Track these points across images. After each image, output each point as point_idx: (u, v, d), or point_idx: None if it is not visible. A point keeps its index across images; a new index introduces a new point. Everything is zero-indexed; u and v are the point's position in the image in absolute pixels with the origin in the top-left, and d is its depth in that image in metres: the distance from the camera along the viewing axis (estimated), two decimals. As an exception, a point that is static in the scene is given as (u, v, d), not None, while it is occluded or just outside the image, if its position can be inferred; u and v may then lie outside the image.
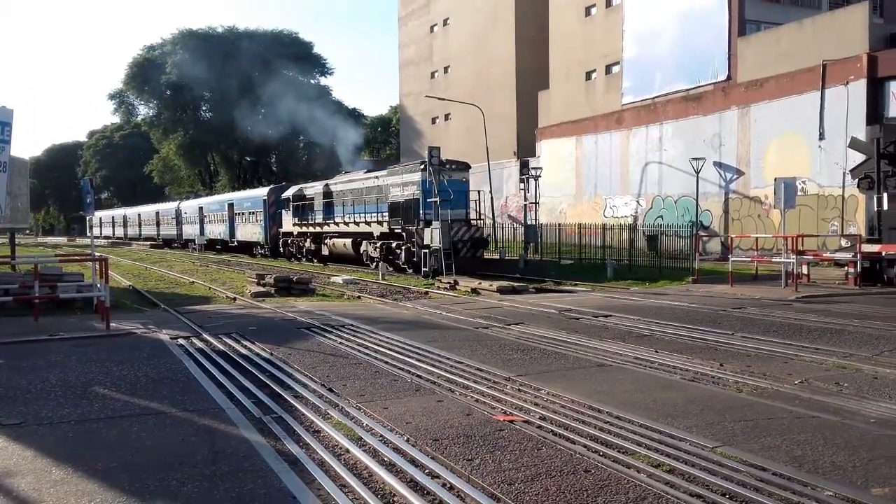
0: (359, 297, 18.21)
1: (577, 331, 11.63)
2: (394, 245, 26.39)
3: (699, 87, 32.19)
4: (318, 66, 72.52)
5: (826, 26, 26.46)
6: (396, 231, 26.15)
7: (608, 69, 38.10)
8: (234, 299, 17.93)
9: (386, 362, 9.18)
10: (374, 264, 27.23)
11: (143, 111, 76.66)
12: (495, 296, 17.56)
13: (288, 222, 37.33)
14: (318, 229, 33.75)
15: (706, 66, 31.92)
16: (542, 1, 42.08)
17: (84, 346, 10.61)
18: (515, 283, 18.93)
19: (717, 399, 7.17)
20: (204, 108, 74.17)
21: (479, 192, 27.84)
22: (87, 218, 18.78)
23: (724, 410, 6.69)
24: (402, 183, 26.45)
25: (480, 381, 8.07)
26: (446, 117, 51.83)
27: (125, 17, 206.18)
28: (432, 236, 23.80)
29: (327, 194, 32.72)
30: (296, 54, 67.55)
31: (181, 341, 10.97)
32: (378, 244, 27.69)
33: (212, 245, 50.01)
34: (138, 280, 23.82)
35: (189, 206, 56.38)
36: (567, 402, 7.01)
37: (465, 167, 26.30)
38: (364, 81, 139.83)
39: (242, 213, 44.62)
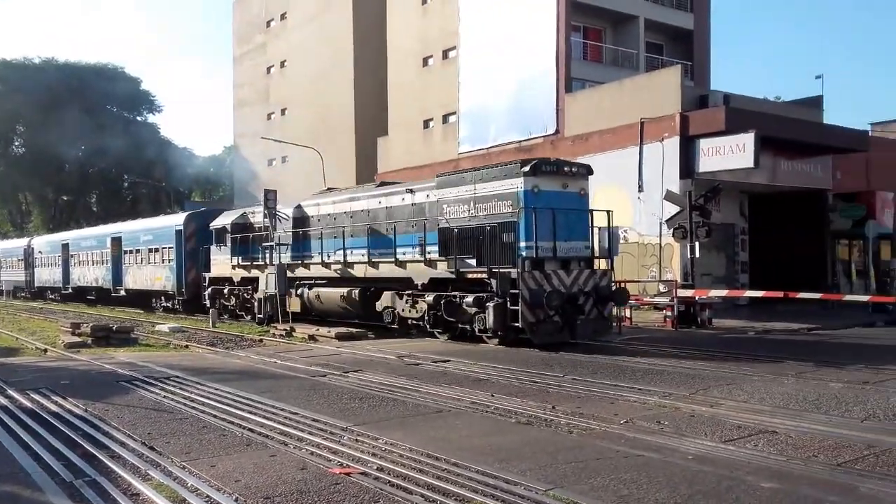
0: (186, 347, 17.23)
1: (416, 377, 11.59)
2: (455, 298, 16.33)
3: (531, 139, 33.80)
4: (146, 102, 69.44)
5: (643, 87, 28.67)
6: (469, 274, 16.29)
7: (445, 118, 39.18)
8: (45, 350, 16.42)
9: (214, 416, 8.67)
10: (408, 327, 18.19)
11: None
12: (334, 342, 17.22)
13: (222, 263, 25.31)
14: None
15: (537, 120, 33.61)
16: (381, 48, 42.80)
17: None
18: (354, 330, 18.69)
19: (551, 441, 7.33)
20: (16, 144, 68.60)
21: (607, 212, 16.82)
22: None
23: (557, 452, 6.84)
24: (474, 198, 16.49)
25: (316, 432, 7.79)
26: (283, 160, 51.05)
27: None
28: (268, 281, 22.22)
29: (300, 220, 22.15)
30: (122, 89, 64.33)
31: (-21, 399, 9.82)
32: (420, 298, 17.44)
33: (81, 295, 37.99)
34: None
35: (45, 243, 43.88)
36: (405, 451, 6.91)
37: (584, 172, 16.38)
38: (197, 120, 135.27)
39: (137, 251, 32.46)
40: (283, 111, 52.94)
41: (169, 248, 29.67)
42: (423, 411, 8.89)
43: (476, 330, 16.00)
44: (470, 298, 15.87)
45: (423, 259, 17.38)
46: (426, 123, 40.54)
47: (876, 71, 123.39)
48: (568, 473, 6.18)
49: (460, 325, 16.56)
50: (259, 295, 22.75)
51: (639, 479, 5.98)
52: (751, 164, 21.76)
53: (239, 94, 58.10)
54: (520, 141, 34.77)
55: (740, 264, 27.64)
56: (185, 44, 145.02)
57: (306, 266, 21.61)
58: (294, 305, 21.56)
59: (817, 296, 20.57)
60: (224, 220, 25.82)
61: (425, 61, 40.51)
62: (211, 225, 26.30)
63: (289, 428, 7.97)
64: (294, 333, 18.93)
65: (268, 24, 54.18)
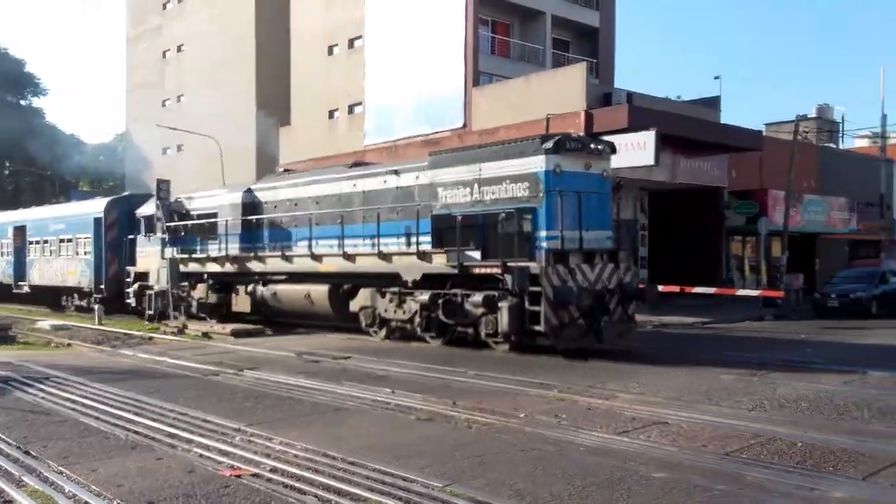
0: (69, 345, 16.30)
1: (315, 374, 11.34)
2: (456, 297, 14.26)
3: (438, 132, 33.80)
4: (31, 85, 65.52)
5: (550, 82, 29.10)
6: (476, 269, 13.96)
7: (351, 109, 38.72)
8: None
9: (97, 418, 8.21)
10: (379, 332, 16.19)
11: None
12: (229, 339, 16.69)
13: (151, 256, 21.95)
14: (230, 267, 19.69)
15: (444, 113, 33.63)
16: (284, 35, 41.87)
17: None
18: (250, 326, 18.12)
19: (450, 437, 7.29)
20: None
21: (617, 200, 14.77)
22: None
23: (456, 448, 6.80)
24: (479, 180, 14.19)
25: (207, 433, 7.48)
26: (179, 148, 49.27)
27: None
28: (159, 275, 20.93)
29: (251, 207, 19.28)
30: (4, 71, 60.48)
31: None
32: (409, 297, 15.23)
33: None
34: None
35: None
36: (301, 451, 6.71)
37: (609, 151, 14.39)
38: (86, 105, 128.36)
39: (46, 242, 28.26)
40: (179, 97, 51.10)
41: (86, 238, 25.77)
42: (321, 410, 8.69)
43: (482, 334, 13.84)
44: (478, 297, 13.56)
45: (414, 251, 14.90)
46: (331, 114, 39.97)
47: (769, 73, 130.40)
48: (466, 469, 6.14)
49: (459, 329, 14.51)
50: (150, 291, 21.51)
51: (535, 473, 6.01)
52: (651, 161, 22.35)
53: (132, 78, 55.71)
54: (427, 134, 34.70)
55: (640, 259, 28.50)
56: (73, 23, 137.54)
57: (260, 259, 18.72)
58: (241, 305, 19.35)
59: (712, 290, 21.39)
60: (153, 206, 22.25)
61: (330, 50, 39.91)
62: (137, 212, 23.05)
63: (177, 430, 7.62)
64: (187, 331, 18.20)
65: (164, 5, 52.15)
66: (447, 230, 14.27)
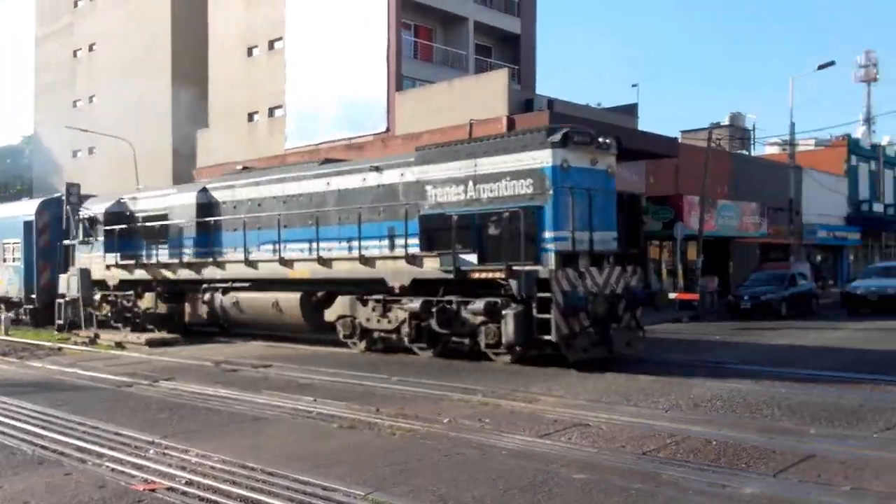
0: (-29, 357, 15.45)
1: (234, 384, 11.07)
2: (451, 304, 13.17)
3: (361, 136, 33.59)
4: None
5: (472, 88, 29.30)
6: (475, 273, 12.89)
7: (271, 112, 38.07)
8: None
9: (2, 433, 7.82)
10: (358, 344, 14.98)
11: None
12: (144, 349, 16.13)
13: (92, 263, 19.97)
14: (183, 273, 18.11)
15: (367, 117, 33.43)
16: (202, 35, 40.89)
17: None
18: (167, 335, 17.51)
19: (373, 444, 7.22)
20: None
21: (632, 195, 13.94)
22: None
23: (379, 455, 6.74)
24: (474, 176, 13.11)
25: (119, 447, 7.20)
26: (90, 151, 47.47)
27: None
28: (69, 283, 19.54)
29: (207, 208, 17.69)
30: None
31: None
32: (395, 305, 14.04)
33: None
34: None
35: None
36: (218, 463, 6.54)
37: (615, 145, 13.42)
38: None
39: None
40: (91, 98, 49.26)
41: (14, 243, 23.50)
42: (240, 420, 8.48)
43: (482, 344, 12.78)
44: (479, 304, 12.45)
45: (402, 255, 13.65)
46: (251, 117, 39.25)
47: (685, 82, 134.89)
48: (388, 476, 6.09)
49: (454, 339, 13.43)
50: (61, 299, 20.01)
51: (458, 478, 6.00)
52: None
53: (41, 78, 53.44)
54: (350, 138, 34.48)
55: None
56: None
57: (219, 265, 17.15)
58: (196, 315, 18.01)
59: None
60: (93, 208, 20.52)
61: (250, 51, 39.21)
62: (76, 215, 20.92)
63: (87, 443, 7.32)
64: (99, 340, 17.47)
65: (75, 2, 50.26)
66: (438, 231, 13.16)
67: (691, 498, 5.58)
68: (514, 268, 12.06)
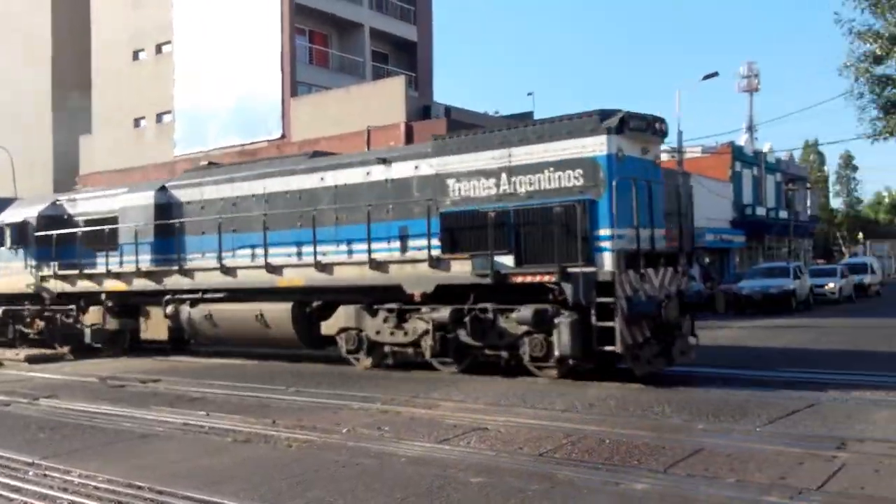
0: None
1: (121, 400, 10.56)
2: (487, 313, 11.48)
3: (255, 143, 32.85)
4: None
5: (370, 94, 29.21)
6: (518, 277, 11.23)
7: (159, 118, 36.79)
8: None
9: None
10: (363, 359, 13.06)
11: None
12: (24, 366, 15.19)
13: (22, 273, 17.75)
14: (139, 284, 15.72)
15: (261, 123, 32.76)
16: (85, 36, 39.04)
17: None
18: (48, 351, 16.52)
19: (269, 458, 7.03)
20: None
21: (679, 189, 14.04)
22: None
23: (275, 469, 6.56)
24: (509, 168, 11.52)
25: (-8, 471, 6.72)
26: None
27: None
28: None
29: (167, 209, 15.69)
30: None
31: None
32: (414, 314, 12.22)
33: None
34: None
35: None
36: (103, 483, 6.21)
37: (665, 131, 12.03)
38: None
39: None
40: (-37, 102, 46.11)
41: None
42: (127, 437, 8.08)
43: (526, 357, 11.16)
44: (526, 312, 10.80)
45: (424, 258, 11.89)
46: (137, 122, 37.82)
47: (578, 90, 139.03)
48: (284, 490, 5.94)
49: (487, 352, 11.72)
50: None
51: (356, 488, 5.92)
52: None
53: None
54: (243, 144, 33.68)
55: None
56: None
57: (185, 273, 14.91)
58: (155, 331, 15.65)
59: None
60: (23, 212, 18.13)
61: (136, 55, 37.77)
62: (0, 219, 18.61)
63: (-44, 470, 6.78)
64: (-26, 358, 16.31)
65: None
66: (463, 231, 11.68)
67: (586, 497, 5.69)
68: (569, 269, 10.64)
